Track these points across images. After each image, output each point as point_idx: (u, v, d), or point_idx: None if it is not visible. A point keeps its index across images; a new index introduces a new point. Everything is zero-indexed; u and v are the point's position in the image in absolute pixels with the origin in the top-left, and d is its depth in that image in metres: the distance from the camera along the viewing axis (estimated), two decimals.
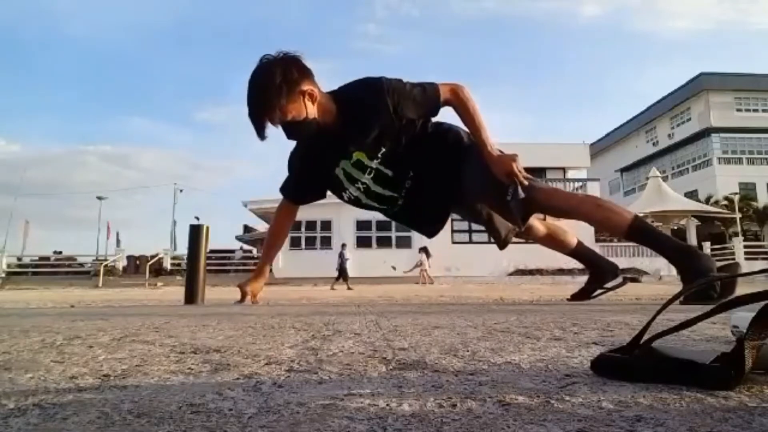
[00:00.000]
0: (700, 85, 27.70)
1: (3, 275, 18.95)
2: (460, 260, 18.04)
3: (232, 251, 23.74)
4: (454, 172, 1.91)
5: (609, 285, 2.30)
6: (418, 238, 16.84)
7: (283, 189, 2.06)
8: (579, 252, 2.30)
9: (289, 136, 1.75)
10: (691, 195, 24.07)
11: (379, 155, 1.79)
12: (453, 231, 18.63)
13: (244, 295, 2.17)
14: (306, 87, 1.65)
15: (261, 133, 1.64)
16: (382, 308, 2.26)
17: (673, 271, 1.88)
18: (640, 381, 0.64)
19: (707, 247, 18.34)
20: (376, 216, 2.45)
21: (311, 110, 1.67)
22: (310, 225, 19.31)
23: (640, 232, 1.81)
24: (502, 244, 2.10)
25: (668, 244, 1.81)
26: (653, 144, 32.20)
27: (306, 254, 19.04)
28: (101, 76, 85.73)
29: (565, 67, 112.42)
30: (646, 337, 0.70)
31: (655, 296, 3.30)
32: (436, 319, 1.55)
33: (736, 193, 22.93)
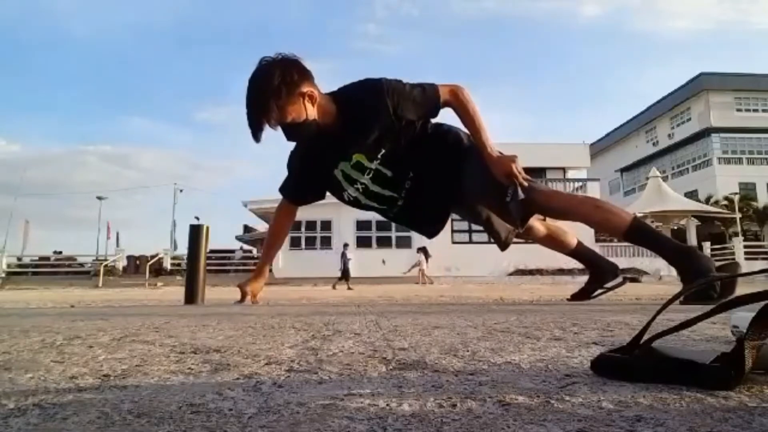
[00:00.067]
0: (700, 85, 27.70)
1: (3, 275, 18.95)
2: (460, 260, 18.04)
3: (232, 251, 23.74)
4: (454, 173, 1.91)
5: (609, 285, 2.30)
6: (417, 238, 16.84)
7: (283, 189, 2.06)
8: (579, 252, 2.30)
9: (289, 138, 1.75)
10: (691, 195, 24.07)
11: (379, 156, 1.79)
12: (453, 231, 18.63)
13: (244, 295, 2.17)
14: (306, 88, 1.65)
15: (257, 135, 1.64)
16: (382, 308, 2.26)
17: (673, 271, 1.88)
18: (640, 381, 0.64)
19: (707, 247, 18.35)
20: (376, 216, 2.47)
21: (311, 112, 1.66)
22: (310, 225, 19.32)
23: (639, 233, 1.81)
24: (503, 246, 2.10)
25: (667, 245, 1.81)
26: (653, 144, 32.20)
27: (306, 254, 19.05)
28: (101, 76, 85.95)
29: (565, 67, 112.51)
30: (646, 337, 0.70)
31: (655, 296, 3.30)
32: (436, 319, 1.55)
33: (736, 193, 22.93)
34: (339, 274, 13.33)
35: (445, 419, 0.50)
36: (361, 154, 1.79)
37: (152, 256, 20.62)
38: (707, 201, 23.57)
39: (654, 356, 0.68)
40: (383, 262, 18.12)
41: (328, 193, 2.01)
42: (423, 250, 15.56)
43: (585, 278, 2.37)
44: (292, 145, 1.92)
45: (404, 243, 18.67)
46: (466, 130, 1.87)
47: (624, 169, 35.27)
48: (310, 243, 19.51)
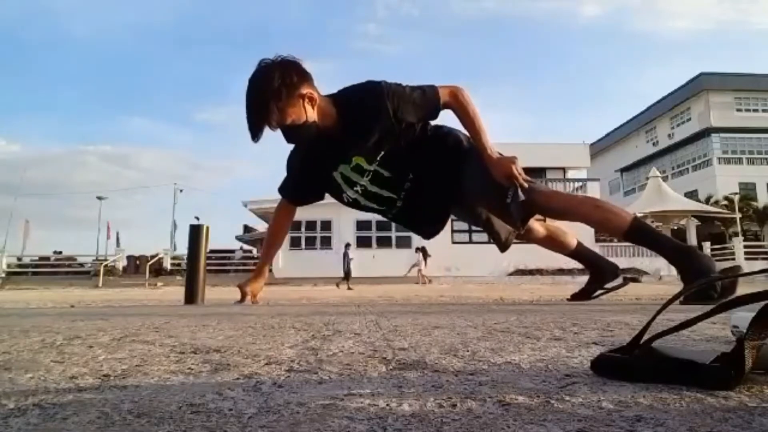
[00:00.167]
0: (700, 85, 27.71)
1: (3, 275, 18.95)
2: (460, 260, 18.04)
3: (232, 251, 23.75)
4: (454, 174, 1.91)
5: (609, 285, 2.30)
6: (417, 238, 16.81)
7: (282, 189, 2.06)
8: (579, 253, 2.30)
9: (289, 140, 1.74)
10: (691, 195, 24.08)
11: (378, 158, 1.79)
12: (453, 231, 18.63)
13: (244, 295, 2.17)
14: (305, 90, 1.64)
15: (256, 136, 1.64)
16: (382, 308, 2.26)
17: (673, 271, 1.88)
18: (640, 381, 0.64)
19: (707, 247, 18.35)
20: (376, 216, 2.47)
21: (311, 114, 1.66)
22: (310, 225, 19.32)
23: (639, 233, 1.82)
24: (503, 247, 2.10)
25: (668, 245, 1.81)
26: (653, 144, 32.20)
27: (306, 254, 19.06)
28: (101, 76, 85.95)
29: (565, 67, 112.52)
30: (646, 337, 0.70)
31: (655, 296, 3.30)
32: (436, 319, 1.55)
33: (736, 193, 22.93)
34: (342, 274, 13.35)
35: (445, 419, 0.50)
36: (360, 157, 1.79)
37: (152, 256, 20.63)
38: (707, 201, 23.57)
39: (654, 356, 0.68)
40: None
41: (327, 194, 2.02)
42: (422, 250, 15.57)
43: (585, 278, 2.37)
44: (291, 144, 1.92)
45: (404, 243, 18.68)
46: (465, 132, 1.87)
47: (624, 169, 35.27)
48: (310, 243, 19.52)
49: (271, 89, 1.59)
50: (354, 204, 1.96)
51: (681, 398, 0.56)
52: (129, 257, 22.05)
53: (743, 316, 0.71)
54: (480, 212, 2.02)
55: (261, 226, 24.84)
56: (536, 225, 2.16)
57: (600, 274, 2.29)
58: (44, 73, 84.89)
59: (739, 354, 0.59)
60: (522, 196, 1.74)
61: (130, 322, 1.54)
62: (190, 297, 3.45)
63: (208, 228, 3.70)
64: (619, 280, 2.34)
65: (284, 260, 17.76)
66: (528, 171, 1.80)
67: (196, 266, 3.58)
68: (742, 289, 0.96)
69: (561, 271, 16.56)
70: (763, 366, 0.63)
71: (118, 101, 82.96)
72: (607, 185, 34.32)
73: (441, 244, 15.86)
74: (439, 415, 0.51)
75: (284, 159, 2.01)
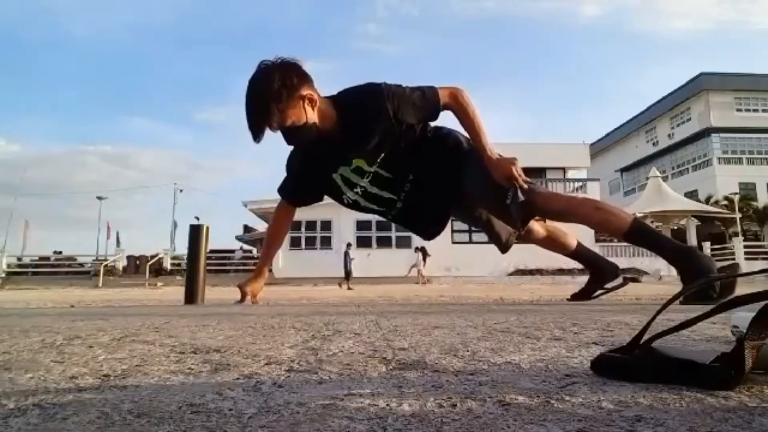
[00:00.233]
0: (700, 85, 27.71)
1: (3, 275, 18.95)
2: (460, 260, 18.04)
3: (232, 251, 23.75)
4: (454, 175, 1.91)
5: (609, 285, 2.30)
6: (417, 238, 16.83)
7: (281, 190, 2.06)
8: (579, 253, 2.30)
9: (289, 142, 1.74)
10: (691, 195, 24.08)
11: (379, 160, 1.79)
12: (453, 231, 18.63)
13: (243, 295, 2.17)
14: (305, 92, 1.64)
15: (257, 137, 1.63)
16: (382, 308, 2.26)
17: (673, 271, 1.89)
18: (640, 381, 0.64)
19: (707, 247, 18.36)
20: (375, 216, 2.48)
21: (311, 115, 1.66)
22: (310, 225, 19.33)
23: (639, 234, 1.82)
24: (504, 248, 2.10)
25: (668, 246, 1.81)
26: (653, 144, 32.21)
27: (306, 254, 19.06)
28: (101, 76, 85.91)
29: (565, 67, 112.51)
30: (646, 337, 0.70)
31: (655, 296, 3.29)
32: (436, 319, 1.55)
33: (736, 193, 22.94)
34: (344, 274, 13.37)
35: (445, 419, 0.50)
36: (360, 159, 1.79)
37: (152, 256, 20.63)
38: (707, 201, 23.57)
39: (654, 356, 0.68)
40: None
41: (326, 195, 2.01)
42: (422, 249, 15.58)
43: (585, 278, 2.37)
44: (291, 146, 1.92)
45: (404, 243, 18.69)
46: (465, 133, 1.87)
47: (624, 169, 35.28)
48: (310, 243, 19.53)
49: (272, 90, 1.59)
50: (354, 205, 1.96)
51: (681, 398, 0.56)
52: (129, 257, 22.05)
53: (743, 316, 0.71)
54: (480, 213, 2.02)
55: (261, 226, 24.85)
56: (536, 226, 2.16)
57: (600, 274, 2.29)
58: (44, 73, 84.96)
59: (739, 354, 0.59)
60: (522, 198, 1.74)
61: (130, 322, 1.54)
62: (190, 297, 3.45)
63: (208, 228, 3.71)
64: (619, 280, 2.34)
65: (284, 260, 17.76)
66: (528, 171, 1.80)
67: (196, 266, 3.58)
68: (742, 289, 0.96)
69: (561, 271, 16.56)
70: (763, 366, 0.63)
71: (118, 101, 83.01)
72: (607, 185, 34.33)
73: (441, 244, 15.84)
74: (439, 415, 0.51)
75: (284, 159, 2.01)
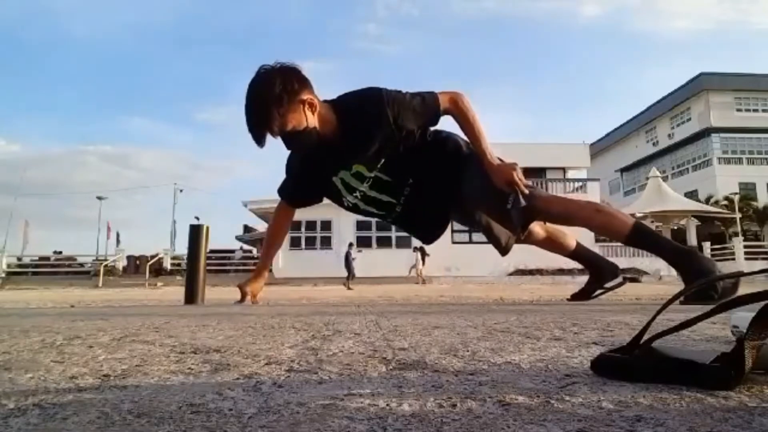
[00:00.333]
0: (700, 85, 27.71)
1: (3, 275, 18.95)
2: (460, 260, 18.04)
3: (232, 251, 23.75)
4: (453, 180, 1.91)
5: (609, 285, 2.30)
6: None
7: (281, 191, 2.06)
8: (578, 253, 2.30)
9: (289, 147, 1.73)
10: (691, 195, 24.08)
11: (379, 165, 1.79)
12: (453, 231, 18.62)
13: (244, 295, 2.17)
14: (306, 96, 1.64)
15: (260, 142, 1.63)
16: (382, 308, 2.26)
17: (673, 271, 1.89)
18: (640, 381, 0.64)
19: (707, 247, 18.37)
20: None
21: (311, 120, 1.65)
22: (310, 225, 19.34)
23: (640, 237, 1.82)
24: (504, 251, 2.10)
25: (668, 247, 1.81)
26: (653, 144, 32.21)
27: (306, 254, 19.07)
28: (101, 76, 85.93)
29: (565, 67, 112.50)
30: (646, 337, 0.70)
31: (655, 296, 3.30)
32: (436, 319, 1.55)
33: (736, 193, 22.95)
34: (346, 274, 13.39)
35: (445, 419, 0.50)
36: (360, 165, 1.79)
37: (152, 256, 20.63)
38: (707, 201, 23.57)
39: (654, 356, 0.68)
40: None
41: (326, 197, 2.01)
42: (420, 249, 15.60)
43: (585, 278, 2.37)
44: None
45: (404, 243, 18.69)
46: (465, 138, 1.87)
47: (624, 169, 35.28)
48: (310, 243, 19.53)
49: (273, 94, 1.58)
50: (354, 209, 1.96)
51: (681, 398, 0.56)
52: (129, 257, 22.05)
53: (743, 316, 0.71)
54: (480, 217, 2.01)
55: (261, 226, 24.85)
56: (536, 227, 2.16)
57: (599, 274, 2.29)
58: (44, 73, 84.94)
59: (739, 354, 0.59)
60: (523, 202, 1.74)
61: (130, 322, 1.54)
62: (190, 297, 3.45)
63: (208, 228, 3.71)
64: (618, 280, 2.34)
65: (284, 260, 17.77)
66: (528, 171, 1.81)
67: (196, 266, 3.58)
68: (742, 289, 0.96)
69: (561, 271, 16.56)
70: (763, 366, 0.63)
71: (118, 101, 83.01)
72: (607, 185, 34.33)
73: (441, 244, 15.62)
74: (439, 415, 0.51)
75: (284, 160, 2.00)
